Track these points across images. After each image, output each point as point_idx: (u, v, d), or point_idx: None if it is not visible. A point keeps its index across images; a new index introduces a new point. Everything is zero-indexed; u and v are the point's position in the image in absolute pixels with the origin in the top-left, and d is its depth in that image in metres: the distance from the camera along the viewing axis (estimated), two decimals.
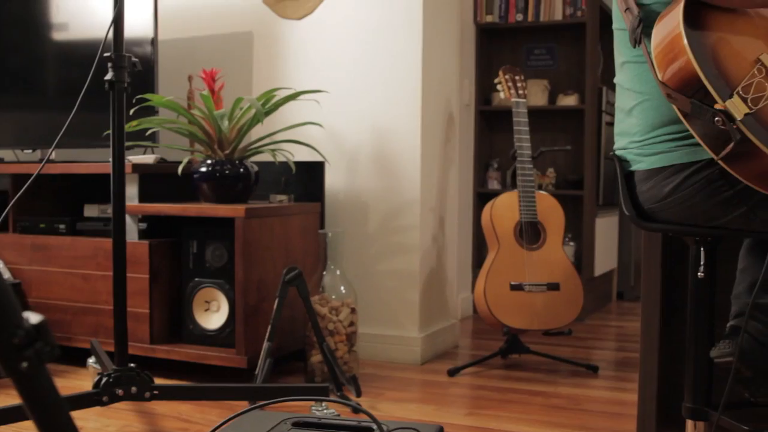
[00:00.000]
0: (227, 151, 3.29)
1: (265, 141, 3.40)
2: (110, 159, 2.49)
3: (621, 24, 1.95)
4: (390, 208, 3.68)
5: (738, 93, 1.55)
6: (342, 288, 3.29)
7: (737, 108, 1.53)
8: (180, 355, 3.24)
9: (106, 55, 2.47)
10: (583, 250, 4.93)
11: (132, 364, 2.53)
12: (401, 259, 3.67)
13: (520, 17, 5.05)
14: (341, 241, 3.36)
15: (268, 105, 3.32)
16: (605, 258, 5.28)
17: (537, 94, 5.07)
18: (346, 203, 3.75)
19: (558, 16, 4.99)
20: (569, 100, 5.03)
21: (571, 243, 4.99)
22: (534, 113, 5.00)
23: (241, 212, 3.10)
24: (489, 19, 5.10)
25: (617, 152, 1.99)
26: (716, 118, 1.54)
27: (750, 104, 1.54)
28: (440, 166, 3.85)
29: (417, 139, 3.63)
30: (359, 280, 3.67)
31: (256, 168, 3.37)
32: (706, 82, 1.55)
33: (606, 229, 5.25)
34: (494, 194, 3.71)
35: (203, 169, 3.28)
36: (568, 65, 5.18)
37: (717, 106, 1.54)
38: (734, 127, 1.53)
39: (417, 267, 3.65)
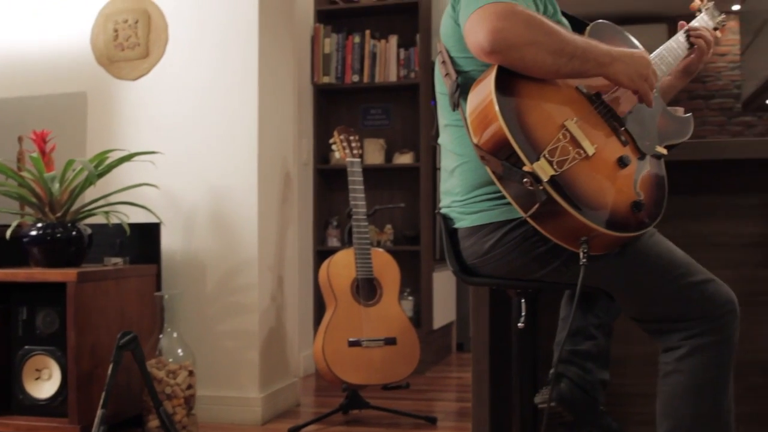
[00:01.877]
0: (59, 214, 3.23)
1: (98, 203, 3.35)
2: None
3: (442, 88, 2.05)
4: (228, 268, 3.68)
5: (545, 156, 1.66)
6: (179, 350, 3.25)
7: (543, 170, 1.64)
8: (9, 428, 3.12)
9: None
10: (422, 303, 5.05)
11: None
12: (240, 319, 3.66)
13: (356, 78, 5.19)
14: (178, 303, 3.34)
15: (102, 167, 3.29)
16: (444, 311, 5.42)
17: (374, 152, 5.20)
18: (184, 264, 3.72)
19: (393, 77, 5.16)
20: (405, 159, 5.18)
21: (410, 297, 5.10)
22: (371, 171, 5.11)
23: (72, 276, 3.04)
24: (326, 79, 5.21)
25: (442, 210, 2.08)
26: (525, 179, 1.65)
27: (555, 167, 1.66)
28: (278, 224, 3.88)
29: (254, 198, 3.65)
30: (198, 341, 3.63)
31: (89, 231, 3.31)
32: (515, 146, 1.65)
33: (444, 283, 5.39)
34: (334, 251, 3.78)
35: (33, 233, 3.20)
36: (403, 124, 5.34)
37: (525, 168, 1.65)
38: (541, 188, 1.63)
39: (256, 326, 3.65)
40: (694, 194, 2.62)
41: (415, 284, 5.13)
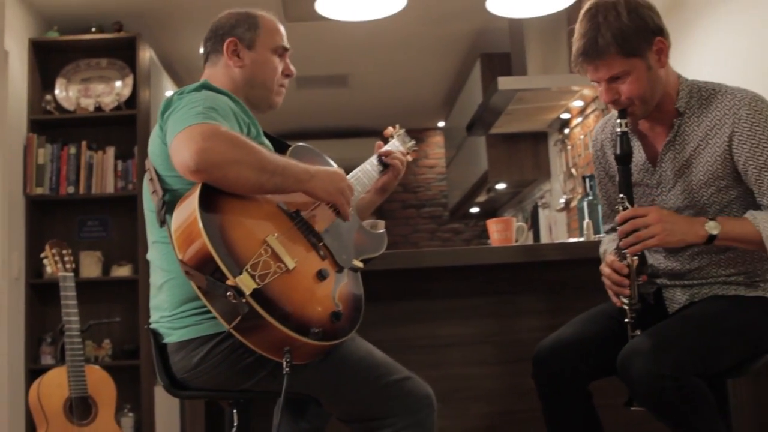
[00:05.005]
0: None
1: None
2: None
3: (150, 205, 2.10)
4: None
5: (247, 270, 1.74)
6: None
7: (246, 284, 1.71)
8: None
9: None
10: (143, 419, 4.91)
11: None
12: None
13: (72, 189, 5.07)
14: None
15: None
16: (168, 425, 5.28)
17: (91, 265, 5.07)
18: None
19: (110, 189, 5.09)
20: (123, 271, 5.09)
21: (131, 414, 4.94)
22: (88, 285, 4.96)
23: None
24: (39, 191, 5.04)
25: (152, 325, 2.10)
26: (228, 293, 1.71)
27: (258, 280, 1.74)
28: None
29: None
30: None
31: None
32: (218, 261, 1.72)
33: (167, 397, 5.22)
34: (48, 369, 3.63)
35: None
36: (121, 236, 5.25)
37: (228, 282, 1.71)
38: (243, 301, 1.70)
39: None
40: (395, 300, 2.81)
41: (136, 399, 4.98)
